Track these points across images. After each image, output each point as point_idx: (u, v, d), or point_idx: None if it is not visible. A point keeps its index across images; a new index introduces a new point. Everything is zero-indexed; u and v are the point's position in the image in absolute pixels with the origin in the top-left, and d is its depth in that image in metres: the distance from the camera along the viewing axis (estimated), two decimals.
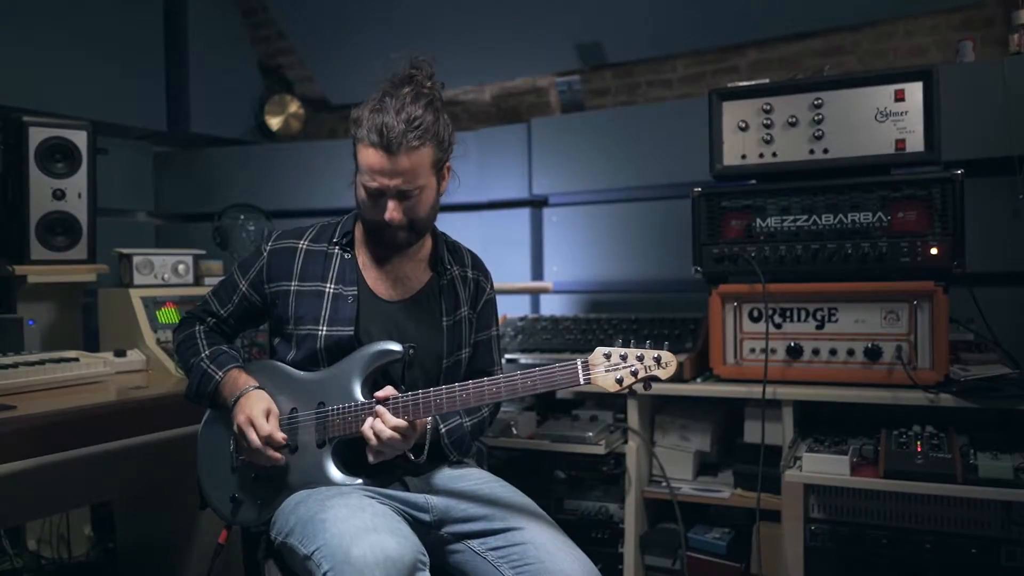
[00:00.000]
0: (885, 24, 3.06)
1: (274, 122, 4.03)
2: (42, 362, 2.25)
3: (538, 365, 1.57)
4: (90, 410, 1.97)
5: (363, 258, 1.75)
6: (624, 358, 1.48)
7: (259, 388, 1.65)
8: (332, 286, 1.70)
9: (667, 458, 2.38)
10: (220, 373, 1.69)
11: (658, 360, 1.48)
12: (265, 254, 1.76)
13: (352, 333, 1.65)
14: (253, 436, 1.57)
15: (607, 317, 2.68)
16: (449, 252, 1.82)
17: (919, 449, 1.87)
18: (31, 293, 2.85)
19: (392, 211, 1.60)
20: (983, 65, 2.56)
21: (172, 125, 3.76)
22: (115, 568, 2.87)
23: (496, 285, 3.30)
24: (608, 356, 1.49)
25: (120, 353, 2.54)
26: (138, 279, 2.82)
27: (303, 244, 1.76)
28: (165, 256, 2.90)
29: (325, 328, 1.66)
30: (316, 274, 1.72)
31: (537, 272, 3.41)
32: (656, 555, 2.31)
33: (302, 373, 1.67)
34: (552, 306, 3.37)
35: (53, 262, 2.83)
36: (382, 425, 1.53)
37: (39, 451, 1.80)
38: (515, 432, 2.37)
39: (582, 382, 1.49)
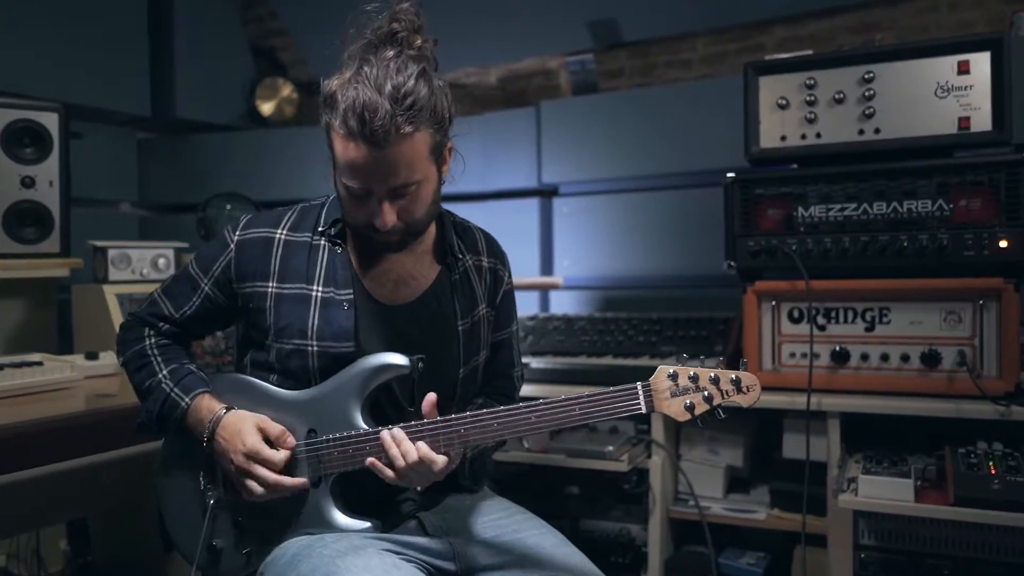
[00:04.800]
0: None
1: (266, 107, 3.79)
2: (1, 367, 2.03)
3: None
4: (53, 422, 1.73)
5: (356, 253, 1.42)
6: (695, 380, 1.23)
7: (232, 409, 1.36)
8: (320, 289, 1.38)
9: (695, 474, 2.15)
10: (187, 400, 1.37)
11: (737, 384, 1.22)
12: (232, 246, 1.42)
13: (352, 349, 1.35)
14: (264, 476, 1.28)
15: (626, 317, 2.45)
16: (459, 237, 1.50)
17: (993, 471, 1.64)
18: None
19: (384, 215, 1.28)
20: None
21: (157, 110, 3.56)
22: None
23: None
24: (674, 377, 1.23)
25: (92, 355, 2.31)
26: (114, 274, 2.60)
27: (280, 233, 1.42)
28: (144, 249, 2.68)
29: (316, 343, 1.36)
30: (299, 273, 1.39)
31: (547, 267, 3.19)
32: None
33: (285, 392, 1.38)
34: (562, 302, 3.15)
35: (22, 256, 2.60)
36: (410, 447, 1.24)
37: None
38: (526, 445, 2.14)
39: (645, 410, 1.23)
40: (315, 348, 1.35)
